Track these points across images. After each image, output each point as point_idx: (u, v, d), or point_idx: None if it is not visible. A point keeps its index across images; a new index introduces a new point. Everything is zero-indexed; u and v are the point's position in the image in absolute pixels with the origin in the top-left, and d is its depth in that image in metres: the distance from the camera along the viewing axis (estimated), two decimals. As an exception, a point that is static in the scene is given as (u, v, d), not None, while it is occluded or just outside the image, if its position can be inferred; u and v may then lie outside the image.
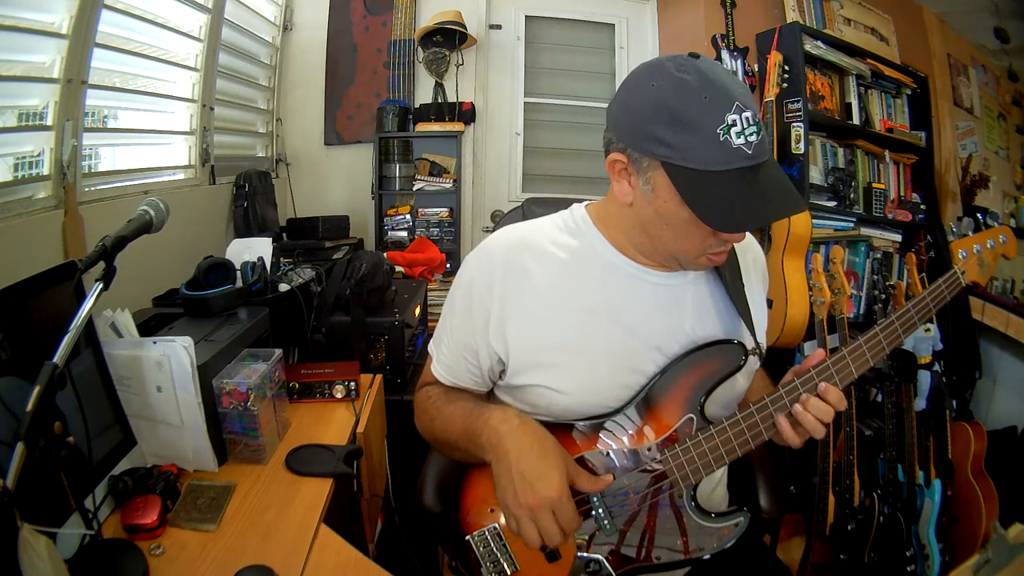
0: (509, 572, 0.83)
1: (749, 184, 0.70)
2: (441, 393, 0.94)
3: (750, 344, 0.83)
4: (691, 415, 0.80)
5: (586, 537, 0.81)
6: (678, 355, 0.82)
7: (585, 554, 0.81)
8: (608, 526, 0.80)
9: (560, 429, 0.83)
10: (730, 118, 0.67)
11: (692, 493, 0.80)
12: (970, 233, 1.03)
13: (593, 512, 0.81)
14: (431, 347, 0.96)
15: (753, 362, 0.84)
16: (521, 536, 0.75)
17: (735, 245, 0.90)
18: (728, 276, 0.86)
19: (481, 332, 0.86)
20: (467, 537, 0.86)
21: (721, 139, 0.68)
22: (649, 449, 0.80)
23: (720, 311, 0.86)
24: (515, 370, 0.86)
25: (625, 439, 0.81)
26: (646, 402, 0.81)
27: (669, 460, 0.79)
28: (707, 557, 0.81)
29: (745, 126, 0.68)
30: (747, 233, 0.95)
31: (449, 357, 0.92)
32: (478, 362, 0.89)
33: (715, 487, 0.93)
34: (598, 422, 0.82)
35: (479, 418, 0.81)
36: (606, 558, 0.81)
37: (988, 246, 0.90)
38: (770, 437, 0.80)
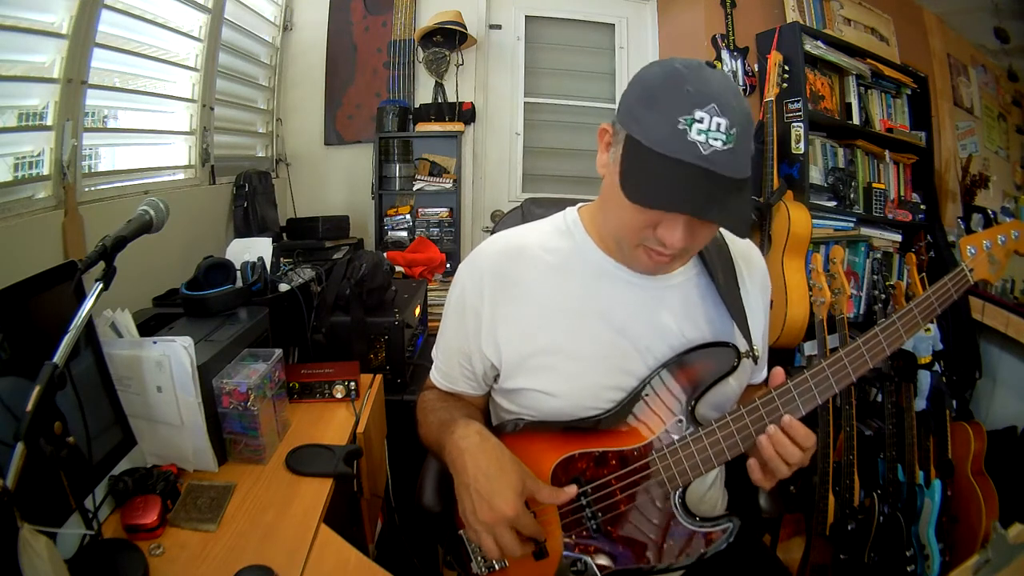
0: (497, 568, 0.84)
1: (686, 179, 0.66)
2: (432, 399, 0.96)
3: (743, 347, 0.82)
4: (681, 417, 0.80)
5: (573, 537, 0.82)
6: (669, 357, 0.82)
7: (572, 553, 0.81)
8: (595, 527, 0.80)
9: (553, 429, 0.84)
10: (699, 114, 0.66)
11: (681, 495, 0.80)
12: (980, 229, 0.99)
13: (580, 512, 0.81)
14: (433, 353, 0.99)
15: (746, 365, 0.83)
16: (482, 549, 0.76)
17: (731, 250, 0.90)
18: (721, 278, 0.86)
19: (473, 338, 0.88)
20: (460, 532, 0.87)
21: (679, 127, 0.66)
22: (638, 451, 0.80)
23: (711, 313, 0.86)
24: (507, 374, 0.87)
25: (615, 440, 0.81)
26: (637, 403, 0.81)
27: (657, 462, 0.79)
28: (694, 561, 0.80)
29: (712, 128, 0.65)
30: (747, 241, 0.95)
31: (445, 363, 0.95)
32: (472, 367, 0.91)
33: (709, 488, 0.92)
34: (589, 423, 0.82)
35: (446, 430, 0.82)
36: (592, 558, 0.81)
37: (999, 242, 0.83)
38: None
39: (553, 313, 0.84)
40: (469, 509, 0.75)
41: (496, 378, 0.91)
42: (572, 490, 0.79)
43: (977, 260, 0.83)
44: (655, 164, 0.68)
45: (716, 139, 0.66)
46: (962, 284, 0.82)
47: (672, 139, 0.66)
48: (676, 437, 0.79)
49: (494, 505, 0.73)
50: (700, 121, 0.66)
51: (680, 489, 0.80)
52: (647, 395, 0.81)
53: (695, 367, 0.80)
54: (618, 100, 0.77)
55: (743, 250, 0.93)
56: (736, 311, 0.85)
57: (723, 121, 0.66)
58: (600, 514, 0.81)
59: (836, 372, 0.76)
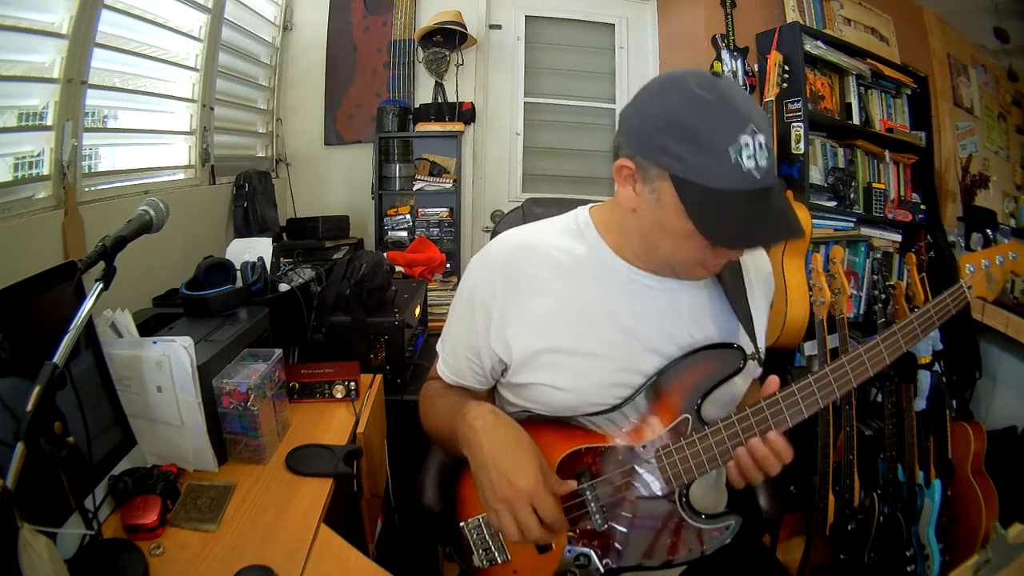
0: (499, 561, 0.85)
1: (753, 206, 0.69)
2: (439, 387, 0.97)
3: (749, 349, 0.83)
4: (687, 415, 0.81)
5: (577, 531, 0.82)
6: (676, 357, 0.83)
7: (575, 548, 0.82)
8: (599, 521, 0.81)
9: (559, 423, 0.84)
10: (743, 139, 0.67)
11: (685, 493, 0.81)
12: (979, 248, 1.03)
13: (585, 507, 0.81)
14: (438, 346, 0.99)
15: (752, 366, 0.84)
16: (501, 530, 0.75)
17: None
18: (729, 281, 0.87)
19: (483, 334, 0.88)
20: (461, 523, 0.87)
21: (732, 160, 0.67)
22: (643, 447, 0.81)
23: (718, 315, 0.87)
24: (516, 370, 0.88)
25: (621, 436, 0.82)
26: (643, 401, 0.82)
27: (663, 458, 0.80)
28: (696, 558, 0.81)
29: (757, 150, 0.68)
30: None
31: (452, 357, 0.95)
32: (480, 362, 0.91)
33: (712, 486, 0.93)
34: (595, 418, 0.83)
35: (458, 413, 0.83)
36: (596, 553, 0.81)
37: (997, 262, 0.88)
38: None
39: (563, 312, 0.84)
40: (488, 488, 0.75)
41: (503, 372, 0.92)
42: (572, 484, 0.79)
43: (976, 278, 0.87)
44: (723, 203, 0.69)
45: (763, 158, 0.69)
46: (961, 301, 0.85)
47: (730, 173, 0.68)
48: (682, 435, 0.80)
49: (513, 480, 0.73)
50: (747, 147, 0.68)
51: (684, 486, 0.80)
52: (654, 393, 0.82)
53: (702, 367, 0.81)
54: (619, 117, 0.78)
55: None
56: (742, 313, 0.86)
57: (763, 137, 0.69)
58: (604, 509, 0.81)
59: (838, 378, 0.78)
